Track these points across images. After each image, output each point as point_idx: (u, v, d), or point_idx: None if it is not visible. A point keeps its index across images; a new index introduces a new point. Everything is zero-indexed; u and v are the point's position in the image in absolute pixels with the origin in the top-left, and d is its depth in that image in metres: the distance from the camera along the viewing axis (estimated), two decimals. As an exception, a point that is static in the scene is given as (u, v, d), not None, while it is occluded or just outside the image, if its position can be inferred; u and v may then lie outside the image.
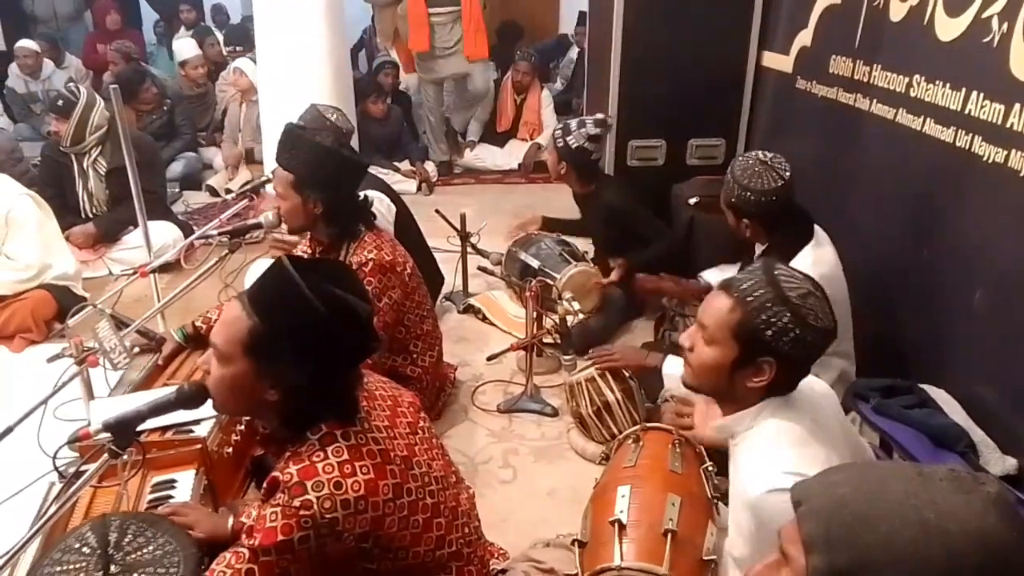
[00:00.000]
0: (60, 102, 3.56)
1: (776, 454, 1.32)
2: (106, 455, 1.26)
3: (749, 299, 1.33)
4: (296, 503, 1.21)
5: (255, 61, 4.87)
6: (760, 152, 2.19)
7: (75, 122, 3.55)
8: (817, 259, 2.13)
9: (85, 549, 1.28)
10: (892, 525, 0.76)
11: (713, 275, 2.61)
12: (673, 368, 2.06)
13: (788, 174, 2.14)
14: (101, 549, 1.22)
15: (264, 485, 1.28)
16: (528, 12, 9.09)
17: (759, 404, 1.39)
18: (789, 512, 1.23)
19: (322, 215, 2.20)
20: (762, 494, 1.28)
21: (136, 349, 2.20)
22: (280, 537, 1.21)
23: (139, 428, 1.32)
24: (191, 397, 1.32)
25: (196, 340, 2.25)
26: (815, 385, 1.50)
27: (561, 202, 3.85)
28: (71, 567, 1.24)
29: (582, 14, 7.17)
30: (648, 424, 1.98)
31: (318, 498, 1.21)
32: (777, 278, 1.33)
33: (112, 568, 1.22)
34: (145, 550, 1.23)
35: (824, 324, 1.32)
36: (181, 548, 1.24)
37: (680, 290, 2.82)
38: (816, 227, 2.23)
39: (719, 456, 1.76)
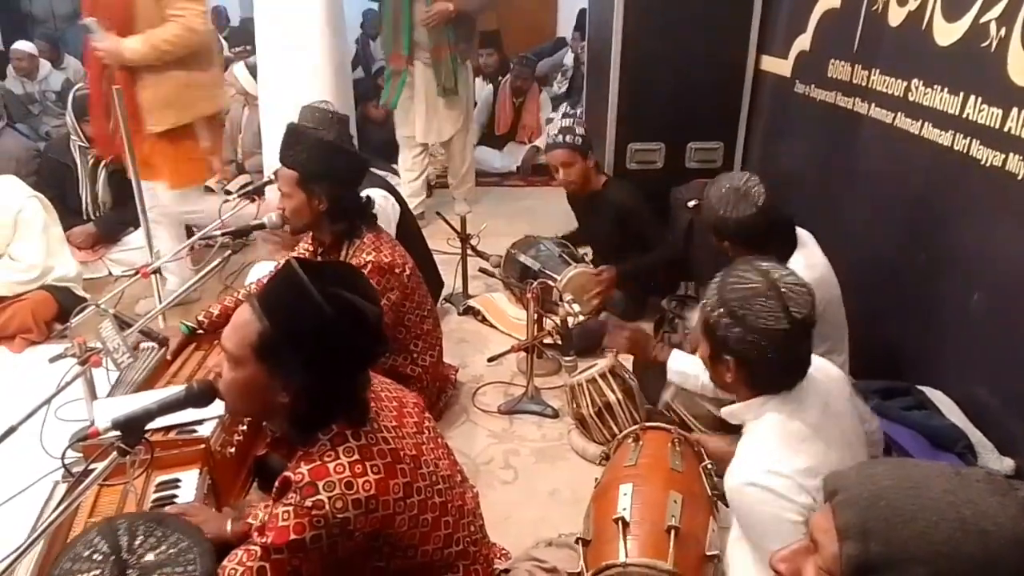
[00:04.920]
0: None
1: (766, 450, 1.35)
2: (115, 453, 1.26)
3: (704, 303, 1.44)
4: (308, 503, 1.22)
5: (247, 66, 4.90)
6: (736, 175, 2.15)
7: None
8: (809, 263, 2.14)
9: (96, 556, 1.24)
10: (930, 520, 0.76)
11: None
12: (678, 363, 2.07)
13: (762, 200, 2.07)
14: (114, 554, 1.18)
15: (276, 485, 1.29)
16: (526, 15, 9.11)
17: (763, 396, 1.42)
18: (762, 506, 1.28)
19: (327, 212, 2.23)
20: (740, 484, 1.32)
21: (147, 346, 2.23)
22: (292, 536, 1.22)
23: (145, 427, 1.33)
24: (200, 396, 1.33)
25: (201, 333, 2.32)
26: (830, 371, 1.52)
27: (559, 205, 3.87)
28: None
29: (580, 19, 7.16)
30: (647, 424, 2.00)
31: (330, 498, 1.22)
32: (725, 283, 1.41)
33: (129, 572, 1.19)
34: (159, 549, 1.20)
35: (771, 325, 1.35)
36: (195, 544, 1.22)
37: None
38: (799, 230, 2.20)
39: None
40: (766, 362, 1.37)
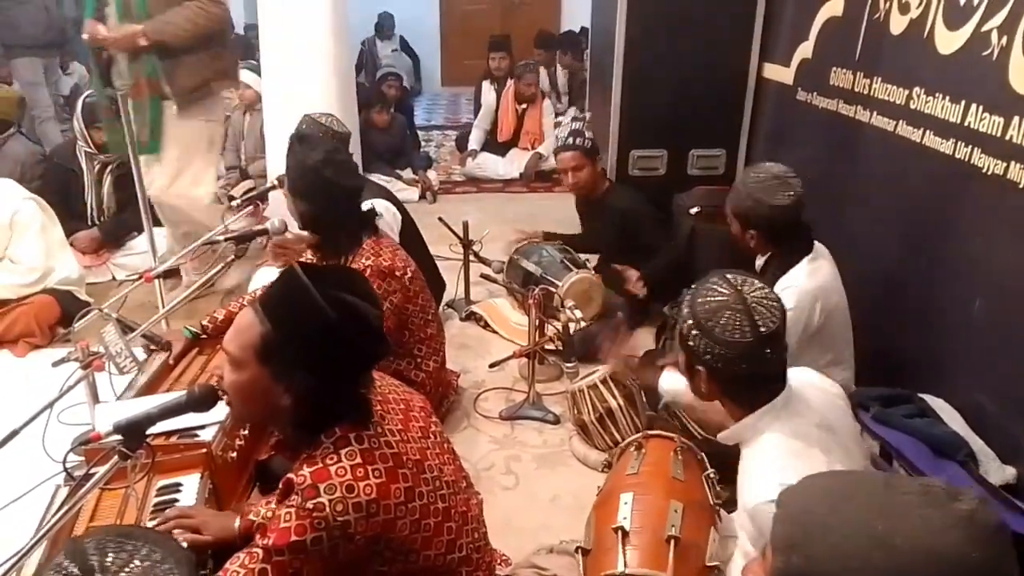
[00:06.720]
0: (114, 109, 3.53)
1: (777, 467, 1.35)
2: (116, 457, 1.27)
3: (680, 314, 1.47)
4: (309, 505, 1.23)
5: (253, 70, 4.91)
6: (774, 165, 2.17)
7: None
8: (812, 270, 2.15)
9: None
10: (844, 533, 0.78)
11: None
12: (669, 382, 2.07)
13: (800, 190, 2.12)
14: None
15: (279, 486, 1.30)
16: (529, 21, 9.14)
17: (757, 412, 1.42)
18: None
19: (308, 224, 2.23)
20: (759, 504, 1.33)
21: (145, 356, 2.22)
22: (293, 538, 1.23)
23: (147, 431, 1.34)
24: (201, 400, 1.34)
25: (204, 338, 2.31)
26: (825, 385, 1.52)
27: (562, 211, 3.88)
28: None
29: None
30: (650, 432, 1.99)
31: (330, 501, 1.23)
32: (696, 295, 1.43)
33: None
34: (132, 564, 1.12)
35: (736, 338, 1.36)
36: (169, 553, 1.14)
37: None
38: (816, 242, 2.23)
39: (720, 464, 1.78)
40: (735, 374, 1.39)
